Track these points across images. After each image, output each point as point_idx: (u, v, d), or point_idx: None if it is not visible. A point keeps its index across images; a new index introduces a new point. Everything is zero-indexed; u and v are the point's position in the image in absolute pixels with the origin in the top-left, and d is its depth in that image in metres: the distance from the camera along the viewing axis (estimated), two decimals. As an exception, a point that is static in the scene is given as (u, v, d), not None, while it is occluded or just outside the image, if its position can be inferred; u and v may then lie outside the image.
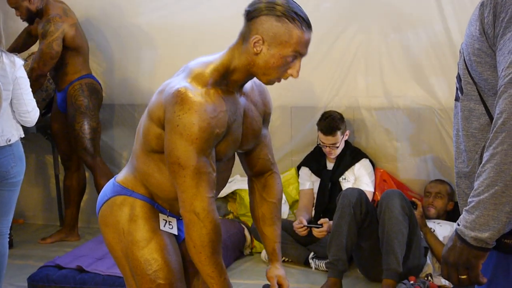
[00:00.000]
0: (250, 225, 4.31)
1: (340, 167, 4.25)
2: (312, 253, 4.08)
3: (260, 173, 2.33)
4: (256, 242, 4.32)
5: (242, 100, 2.10)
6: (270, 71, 1.97)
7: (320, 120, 4.21)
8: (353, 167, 4.24)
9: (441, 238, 3.77)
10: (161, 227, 2.16)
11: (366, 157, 4.30)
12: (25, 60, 3.95)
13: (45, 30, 4.27)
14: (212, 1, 4.50)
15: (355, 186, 4.09)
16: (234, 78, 2.02)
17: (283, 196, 4.44)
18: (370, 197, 4.08)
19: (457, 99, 1.77)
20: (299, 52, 1.96)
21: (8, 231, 3.43)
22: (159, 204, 2.17)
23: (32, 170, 5.10)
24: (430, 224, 3.87)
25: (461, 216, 1.61)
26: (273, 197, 2.33)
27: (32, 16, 4.38)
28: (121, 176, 2.22)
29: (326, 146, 4.18)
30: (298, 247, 4.13)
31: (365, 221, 3.66)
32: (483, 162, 1.56)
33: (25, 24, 4.58)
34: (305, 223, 4.05)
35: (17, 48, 4.63)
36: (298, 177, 4.47)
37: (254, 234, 4.22)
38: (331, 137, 4.13)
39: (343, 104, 4.40)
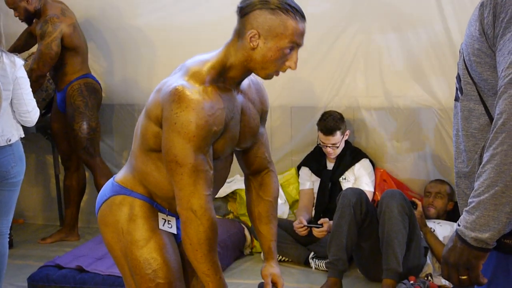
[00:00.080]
0: (250, 225, 4.31)
1: (340, 167, 4.25)
2: (312, 253, 4.08)
3: (257, 171, 2.33)
4: (256, 242, 4.32)
5: (239, 97, 2.11)
6: (268, 65, 1.98)
7: (320, 120, 4.21)
8: (353, 167, 4.24)
9: (441, 238, 3.77)
10: (160, 226, 2.16)
11: (366, 157, 4.30)
12: (25, 60, 3.95)
13: (43, 31, 4.27)
14: (210, 2, 4.50)
15: (355, 186, 4.09)
16: (231, 75, 2.03)
17: (283, 196, 4.45)
18: (370, 197, 4.08)
19: (456, 99, 1.77)
20: (296, 42, 1.96)
21: (8, 231, 3.43)
22: (158, 203, 2.17)
23: (32, 170, 5.10)
24: (430, 224, 3.87)
25: (461, 217, 1.61)
26: (269, 195, 2.33)
27: (31, 17, 4.38)
28: (120, 175, 2.22)
29: (326, 146, 4.18)
30: (298, 247, 4.13)
31: (365, 221, 3.66)
32: (483, 163, 1.56)
33: (26, 25, 4.58)
34: (305, 223, 4.05)
35: (18, 48, 4.63)
36: (298, 177, 4.47)
37: (254, 234, 4.21)
38: (331, 137, 4.14)
39: (343, 104, 4.40)
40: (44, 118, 4.65)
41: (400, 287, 3.46)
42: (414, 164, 4.35)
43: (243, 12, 1.96)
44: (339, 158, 4.25)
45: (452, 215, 4.03)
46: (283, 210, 4.42)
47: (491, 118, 1.64)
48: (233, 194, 4.50)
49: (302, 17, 1.97)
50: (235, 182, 4.47)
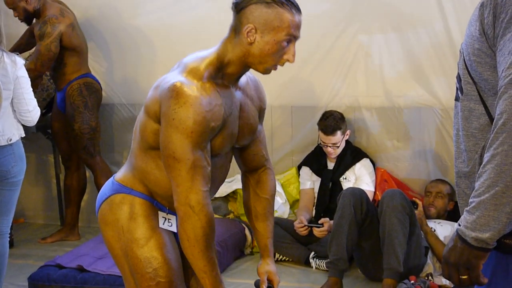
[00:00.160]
0: (250, 224, 4.31)
1: (340, 166, 4.25)
2: (312, 253, 4.08)
3: (254, 169, 2.33)
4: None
5: (238, 94, 2.11)
6: (266, 59, 1.98)
7: (320, 119, 4.21)
8: (353, 166, 4.25)
9: (441, 238, 3.77)
10: (160, 225, 2.16)
11: (367, 156, 4.30)
12: (26, 59, 3.96)
13: (42, 32, 4.27)
14: (210, 2, 4.50)
15: (356, 186, 4.09)
16: (229, 71, 2.03)
17: (284, 196, 4.45)
18: (370, 196, 4.08)
19: (457, 99, 1.77)
20: (293, 35, 1.97)
21: (9, 231, 3.43)
22: (158, 202, 2.17)
23: (33, 170, 5.10)
24: (431, 223, 3.87)
25: (462, 217, 1.62)
26: (266, 193, 2.33)
27: (30, 17, 4.38)
28: (120, 174, 2.22)
29: (327, 146, 4.18)
30: (298, 246, 4.13)
31: (365, 221, 3.66)
32: (483, 163, 1.56)
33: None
34: (306, 222, 4.06)
35: (21, 47, 4.63)
36: (298, 177, 4.47)
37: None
38: (331, 136, 4.14)
39: (343, 103, 4.40)
40: (44, 117, 4.65)
41: (400, 287, 3.46)
42: (414, 163, 4.35)
43: (239, 7, 1.96)
44: (340, 158, 4.25)
45: (452, 215, 4.03)
46: (283, 210, 4.42)
47: (491, 118, 1.64)
48: (234, 193, 4.50)
49: (298, 9, 1.98)
50: (236, 181, 4.47)
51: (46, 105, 4.79)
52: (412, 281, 3.49)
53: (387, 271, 3.50)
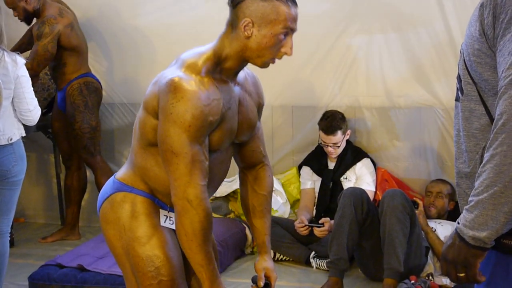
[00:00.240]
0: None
1: (341, 166, 4.25)
2: (313, 253, 4.08)
3: (252, 165, 2.33)
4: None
5: (236, 89, 2.11)
6: (264, 52, 1.98)
7: (321, 119, 4.21)
8: (354, 166, 4.25)
9: (442, 238, 3.76)
10: (162, 223, 2.16)
11: (368, 156, 4.30)
12: (27, 59, 3.95)
13: (40, 32, 4.28)
14: (210, 2, 4.50)
15: (357, 186, 4.09)
16: (227, 66, 2.03)
17: (284, 196, 4.45)
18: (371, 196, 4.08)
19: (457, 99, 1.77)
20: (290, 28, 1.97)
21: (9, 230, 3.43)
22: (159, 199, 2.17)
23: (33, 169, 5.10)
24: (432, 223, 3.87)
25: (461, 215, 1.63)
26: (264, 189, 2.33)
27: (30, 16, 4.38)
28: (121, 173, 2.22)
29: (328, 146, 4.18)
30: (299, 246, 4.13)
31: (366, 221, 3.67)
32: (483, 163, 1.56)
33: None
34: (306, 222, 4.06)
35: (23, 46, 4.63)
36: (299, 177, 4.47)
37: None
38: (332, 136, 4.14)
39: (344, 103, 4.40)
40: (45, 117, 4.65)
41: (401, 287, 3.46)
42: (415, 163, 4.35)
43: (235, 2, 1.97)
44: (340, 158, 4.25)
45: (453, 215, 4.03)
46: (284, 210, 4.42)
47: (491, 119, 1.64)
48: (234, 193, 4.50)
49: (294, 2, 1.99)
50: (236, 181, 4.46)
51: (47, 105, 4.79)
52: (413, 281, 3.49)
53: (387, 271, 3.50)
